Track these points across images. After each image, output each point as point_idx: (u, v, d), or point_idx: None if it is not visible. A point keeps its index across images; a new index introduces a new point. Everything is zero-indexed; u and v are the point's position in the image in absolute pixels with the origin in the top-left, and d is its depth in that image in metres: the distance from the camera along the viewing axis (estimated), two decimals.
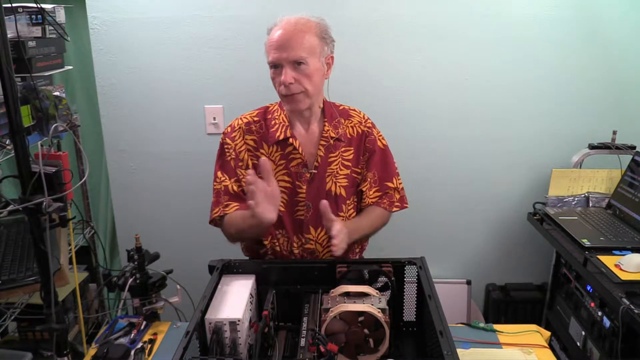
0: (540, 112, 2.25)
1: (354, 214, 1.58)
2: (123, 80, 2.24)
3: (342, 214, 1.53)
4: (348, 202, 1.54)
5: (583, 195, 2.19)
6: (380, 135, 1.60)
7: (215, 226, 1.53)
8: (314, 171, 1.50)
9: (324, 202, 1.32)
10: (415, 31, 2.17)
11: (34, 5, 1.67)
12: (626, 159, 2.11)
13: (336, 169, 1.52)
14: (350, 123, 1.55)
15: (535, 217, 2.14)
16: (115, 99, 2.27)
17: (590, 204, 2.17)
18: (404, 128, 2.25)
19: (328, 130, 1.51)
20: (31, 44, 1.67)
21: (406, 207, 1.61)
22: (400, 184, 1.61)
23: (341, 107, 1.58)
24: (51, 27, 1.76)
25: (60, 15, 1.85)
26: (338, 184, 1.52)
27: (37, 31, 1.73)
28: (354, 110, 1.60)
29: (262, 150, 1.50)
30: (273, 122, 1.51)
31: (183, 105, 2.27)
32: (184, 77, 2.23)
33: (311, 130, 1.52)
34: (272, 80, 1.43)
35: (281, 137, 1.48)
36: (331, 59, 1.47)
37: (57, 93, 1.82)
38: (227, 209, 1.48)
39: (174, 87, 2.25)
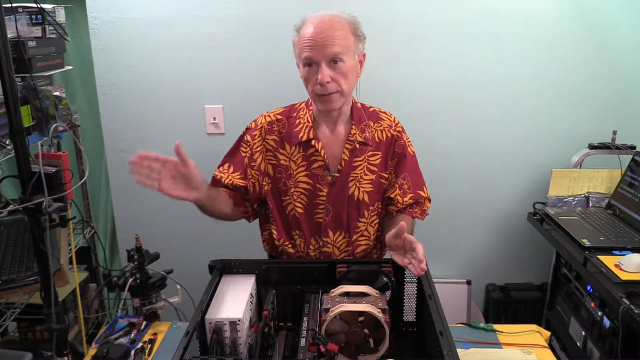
0: (540, 112, 2.25)
1: (377, 220, 1.53)
2: (123, 80, 2.24)
3: (363, 220, 1.49)
4: (371, 208, 1.49)
5: (583, 195, 2.19)
6: (409, 141, 1.53)
7: None
8: (336, 174, 1.45)
9: (403, 225, 1.16)
10: (414, 31, 2.16)
11: (34, 5, 1.67)
12: (626, 159, 2.11)
13: (360, 173, 1.46)
14: (380, 126, 1.49)
15: (535, 217, 2.14)
16: (115, 99, 2.26)
17: (590, 204, 2.17)
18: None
19: (355, 133, 1.45)
20: (31, 44, 1.68)
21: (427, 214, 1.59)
22: (428, 191, 1.58)
23: (371, 109, 1.52)
24: (51, 27, 1.76)
25: (60, 15, 1.85)
26: (362, 189, 1.47)
27: (37, 31, 1.73)
28: (385, 113, 1.53)
29: (282, 151, 1.47)
30: (297, 121, 1.47)
31: (183, 105, 2.27)
32: (184, 77, 2.23)
33: (337, 131, 1.46)
34: (305, 79, 1.37)
35: (304, 139, 1.44)
36: (363, 57, 1.42)
37: (57, 93, 1.83)
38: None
39: (174, 87, 2.24)
